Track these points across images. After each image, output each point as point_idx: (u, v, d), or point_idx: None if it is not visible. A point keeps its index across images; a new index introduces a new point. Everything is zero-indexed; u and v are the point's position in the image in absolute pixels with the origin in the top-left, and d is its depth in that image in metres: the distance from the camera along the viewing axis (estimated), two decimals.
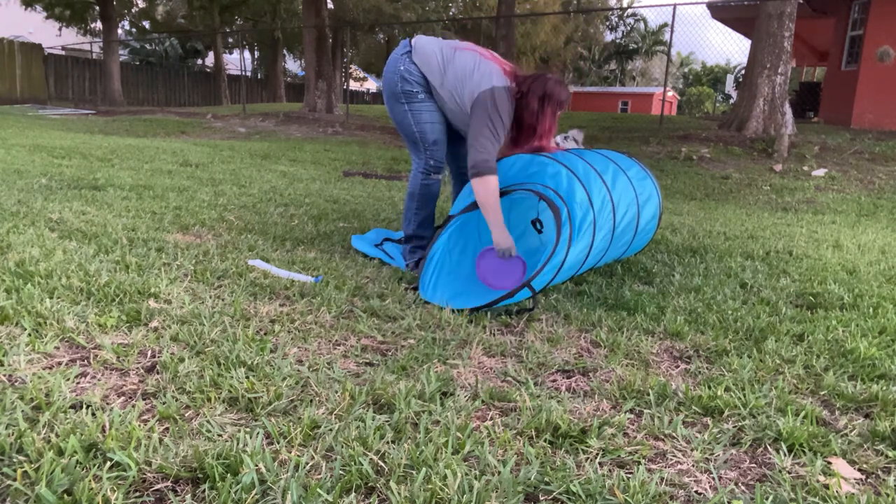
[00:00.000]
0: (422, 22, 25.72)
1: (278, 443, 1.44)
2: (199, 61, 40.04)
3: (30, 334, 1.90)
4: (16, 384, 1.61)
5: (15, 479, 1.22)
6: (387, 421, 1.56)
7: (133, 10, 29.48)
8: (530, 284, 2.49)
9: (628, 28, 46.06)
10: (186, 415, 1.54)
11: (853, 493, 1.38)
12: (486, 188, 2.72)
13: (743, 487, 1.42)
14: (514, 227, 3.34)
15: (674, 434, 1.61)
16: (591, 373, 2.01)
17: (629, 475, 1.40)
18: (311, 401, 1.66)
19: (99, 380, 1.69)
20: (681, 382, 1.94)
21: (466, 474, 1.34)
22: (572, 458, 1.47)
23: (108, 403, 1.56)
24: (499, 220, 2.75)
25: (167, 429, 1.47)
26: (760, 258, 3.81)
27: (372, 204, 5.13)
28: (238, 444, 1.40)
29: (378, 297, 2.60)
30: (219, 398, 1.62)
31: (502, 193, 2.84)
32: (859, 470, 1.50)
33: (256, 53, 39.93)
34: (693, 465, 1.48)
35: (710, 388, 1.88)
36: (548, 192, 2.73)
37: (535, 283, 2.52)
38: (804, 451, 1.55)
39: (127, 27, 32.90)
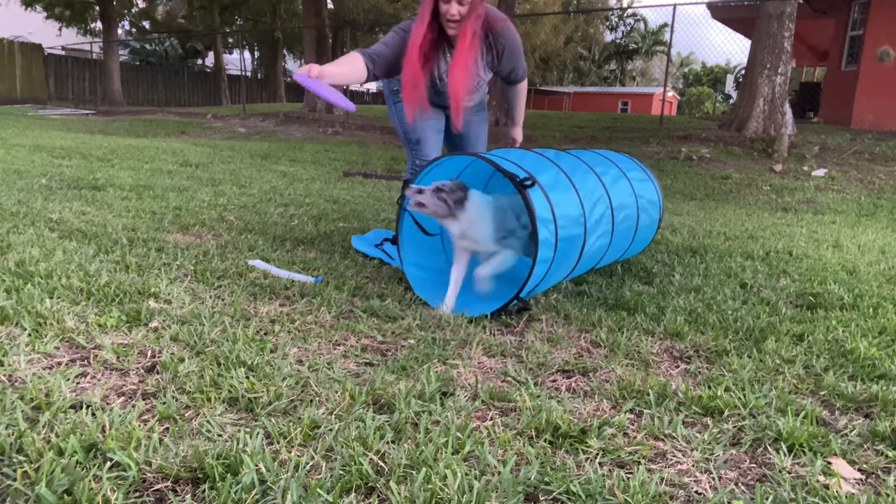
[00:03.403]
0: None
1: (278, 443, 1.44)
2: (199, 61, 40.03)
3: (30, 334, 1.90)
4: (16, 384, 1.61)
5: (15, 479, 1.22)
6: (387, 421, 1.56)
7: (133, 10, 29.50)
8: (519, 297, 2.50)
9: (628, 28, 46.05)
10: (186, 415, 1.54)
11: (853, 493, 1.38)
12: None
13: (743, 487, 1.42)
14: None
15: (674, 434, 1.61)
16: (591, 373, 2.01)
17: (629, 475, 1.40)
18: (311, 401, 1.66)
19: (99, 380, 1.70)
20: (681, 382, 1.94)
21: (466, 474, 1.34)
22: (572, 458, 1.47)
23: (108, 403, 1.56)
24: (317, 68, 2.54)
25: (167, 429, 1.47)
26: (760, 258, 3.81)
27: (372, 204, 5.13)
28: (238, 444, 1.40)
29: (378, 297, 2.60)
30: (219, 398, 1.62)
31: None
32: (859, 470, 1.50)
33: (256, 53, 39.91)
34: (693, 465, 1.48)
35: (710, 388, 1.88)
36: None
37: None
38: (804, 451, 1.55)
39: (127, 27, 32.91)
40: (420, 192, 2.51)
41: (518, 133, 3.42)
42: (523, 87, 3.23)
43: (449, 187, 2.51)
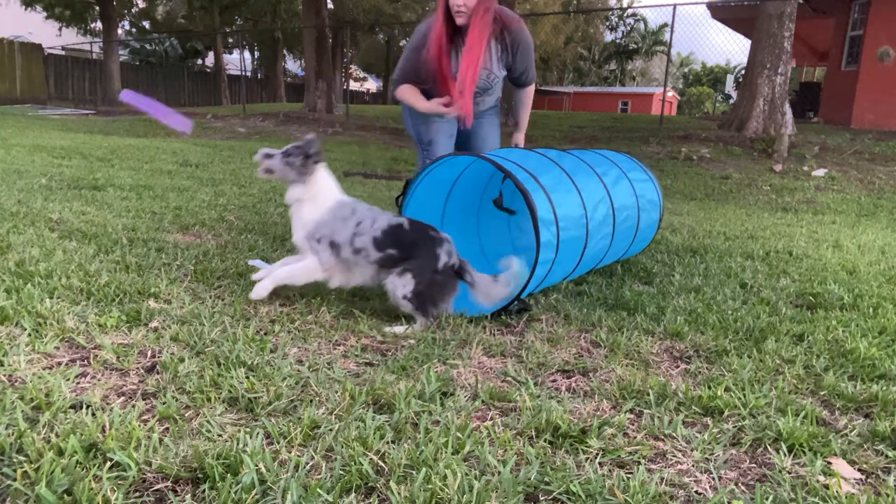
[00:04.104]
0: (422, 22, 25.69)
1: (278, 443, 1.44)
2: (199, 61, 40.03)
3: (30, 334, 1.90)
4: (16, 384, 1.61)
5: (15, 479, 1.22)
6: (387, 421, 1.56)
7: (133, 10, 29.49)
8: (519, 297, 2.49)
9: (628, 28, 46.03)
10: (186, 415, 1.54)
11: (853, 493, 1.38)
12: (400, 95, 3.10)
13: (743, 487, 1.42)
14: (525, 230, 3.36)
15: (674, 434, 1.61)
16: (591, 373, 2.01)
17: (629, 475, 1.40)
18: (311, 401, 1.66)
19: (99, 380, 1.70)
20: (681, 382, 1.94)
21: (466, 474, 1.34)
22: (572, 458, 1.47)
23: (108, 403, 1.56)
24: (417, 104, 3.03)
25: (167, 429, 1.47)
26: (760, 258, 3.81)
27: (372, 204, 5.12)
28: (238, 444, 1.40)
29: (378, 297, 2.60)
30: (219, 398, 1.62)
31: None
32: (859, 470, 1.50)
33: (256, 53, 39.90)
34: (693, 465, 1.48)
35: (710, 388, 1.88)
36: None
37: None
38: (804, 451, 1.55)
39: (127, 27, 32.90)
40: (269, 156, 2.42)
41: (521, 139, 3.49)
42: (531, 91, 3.34)
43: (297, 149, 2.40)
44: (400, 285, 2.36)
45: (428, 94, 3.04)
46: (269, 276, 2.39)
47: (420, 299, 2.35)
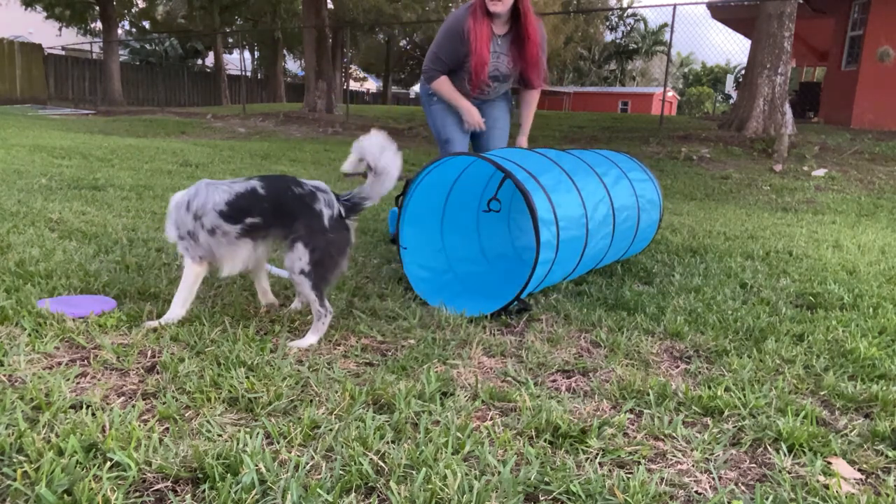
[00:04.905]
0: (422, 22, 25.71)
1: (278, 443, 1.44)
2: (199, 61, 40.02)
3: (30, 334, 1.90)
4: (16, 384, 1.61)
5: (15, 479, 1.22)
6: (387, 421, 1.57)
7: (133, 10, 29.48)
8: (520, 298, 2.49)
9: (628, 28, 46.00)
10: (186, 415, 1.54)
11: (853, 493, 1.38)
12: (437, 86, 3.29)
13: (743, 487, 1.42)
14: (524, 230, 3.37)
15: (674, 434, 1.61)
16: (591, 373, 2.01)
17: (629, 475, 1.40)
18: (311, 401, 1.66)
19: (99, 380, 1.70)
20: (681, 382, 1.94)
21: (466, 474, 1.34)
22: (572, 458, 1.47)
23: (108, 403, 1.56)
24: (457, 101, 3.28)
25: (167, 429, 1.47)
26: (760, 258, 3.81)
27: (375, 204, 5.12)
28: (238, 444, 1.40)
29: (378, 297, 2.60)
30: (219, 398, 1.62)
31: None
32: (859, 470, 1.50)
33: (256, 53, 39.89)
34: (693, 465, 1.48)
35: (710, 388, 1.88)
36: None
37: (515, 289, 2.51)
38: (804, 451, 1.56)
39: (127, 27, 32.88)
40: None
41: (524, 141, 3.57)
42: (538, 95, 3.51)
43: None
44: (296, 259, 2.12)
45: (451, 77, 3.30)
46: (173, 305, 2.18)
47: (319, 269, 2.13)
